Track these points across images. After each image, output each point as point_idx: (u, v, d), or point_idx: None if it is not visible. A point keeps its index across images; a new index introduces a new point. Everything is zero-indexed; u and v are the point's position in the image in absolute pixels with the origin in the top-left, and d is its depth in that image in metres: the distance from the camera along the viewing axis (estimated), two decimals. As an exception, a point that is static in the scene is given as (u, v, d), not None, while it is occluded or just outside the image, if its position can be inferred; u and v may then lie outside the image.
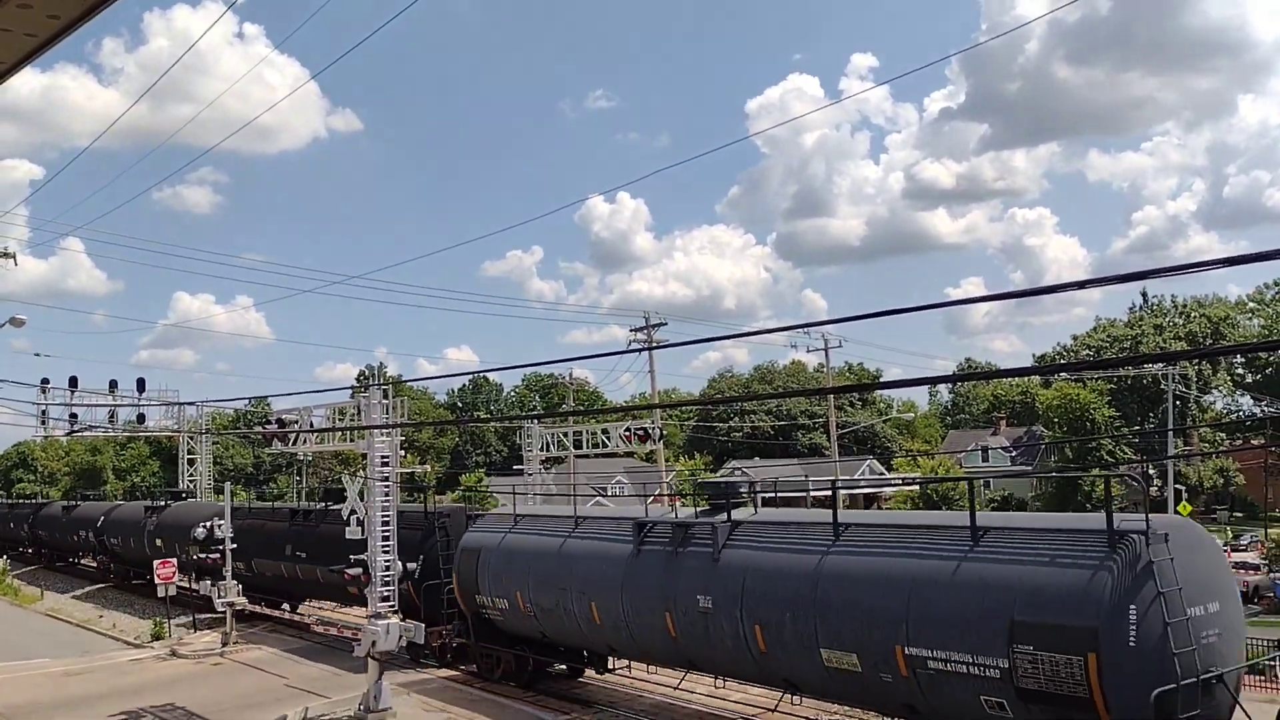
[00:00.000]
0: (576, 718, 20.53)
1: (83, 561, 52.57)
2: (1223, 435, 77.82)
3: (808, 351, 58.85)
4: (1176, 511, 51.83)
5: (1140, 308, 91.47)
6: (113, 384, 32.89)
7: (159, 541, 37.28)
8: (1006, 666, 12.88)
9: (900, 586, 14.25)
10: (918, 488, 63.18)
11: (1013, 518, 18.55)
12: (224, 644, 30.81)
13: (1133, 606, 12.20)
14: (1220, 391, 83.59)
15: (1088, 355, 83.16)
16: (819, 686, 16.10)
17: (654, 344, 51.85)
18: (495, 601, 22.94)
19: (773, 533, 17.29)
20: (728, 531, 17.72)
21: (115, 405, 31.08)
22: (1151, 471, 55.94)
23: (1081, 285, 11.13)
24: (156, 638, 33.21)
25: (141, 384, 33.19)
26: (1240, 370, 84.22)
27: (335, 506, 28.08)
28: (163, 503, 39.24)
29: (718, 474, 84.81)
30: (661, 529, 19.09)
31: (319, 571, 28.74)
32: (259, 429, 26.47)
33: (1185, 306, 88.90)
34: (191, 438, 34.63)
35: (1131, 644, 12.16)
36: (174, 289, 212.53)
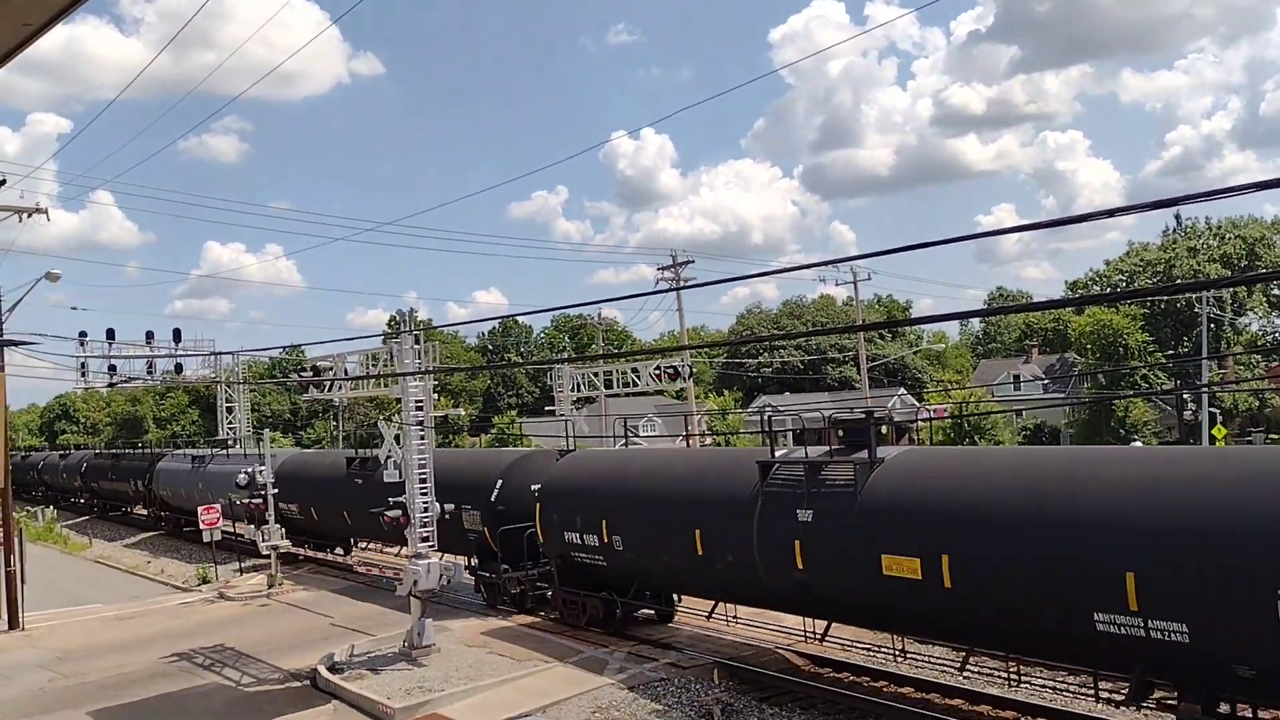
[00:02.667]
0: (615, 649, 20.91)
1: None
2: (1258, 358, 77.01)
3: (836, 285, 58.69)
4: (1211, 435, 51.56)
5: (1174, 230, 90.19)
6: (149, 335, 33.22)
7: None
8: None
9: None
10: (949, 420, 63.16)
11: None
12: (270, 586, 31.59)
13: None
14: (1256, 313, 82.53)
15: (1121, 281, 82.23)
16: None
17: (682, 283, 51.83)
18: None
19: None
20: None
21: (153, 356, 31.46)
22: (1186, 395, 55.55)
23: (1111, 214, 10.91)
24: (204, 581, 34.09)
25: (178, 334, 33.48)
26: (1277, 291, 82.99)
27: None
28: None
29: (747, 410, 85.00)
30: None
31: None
32: (294, 376, 26.78)
33: (1220, 228, 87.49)
34: (229, 386, 35.14)
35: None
36: (205, 239, 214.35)
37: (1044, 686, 16.65)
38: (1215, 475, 12.55)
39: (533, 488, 24.30)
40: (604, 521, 21.39)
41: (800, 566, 16.89)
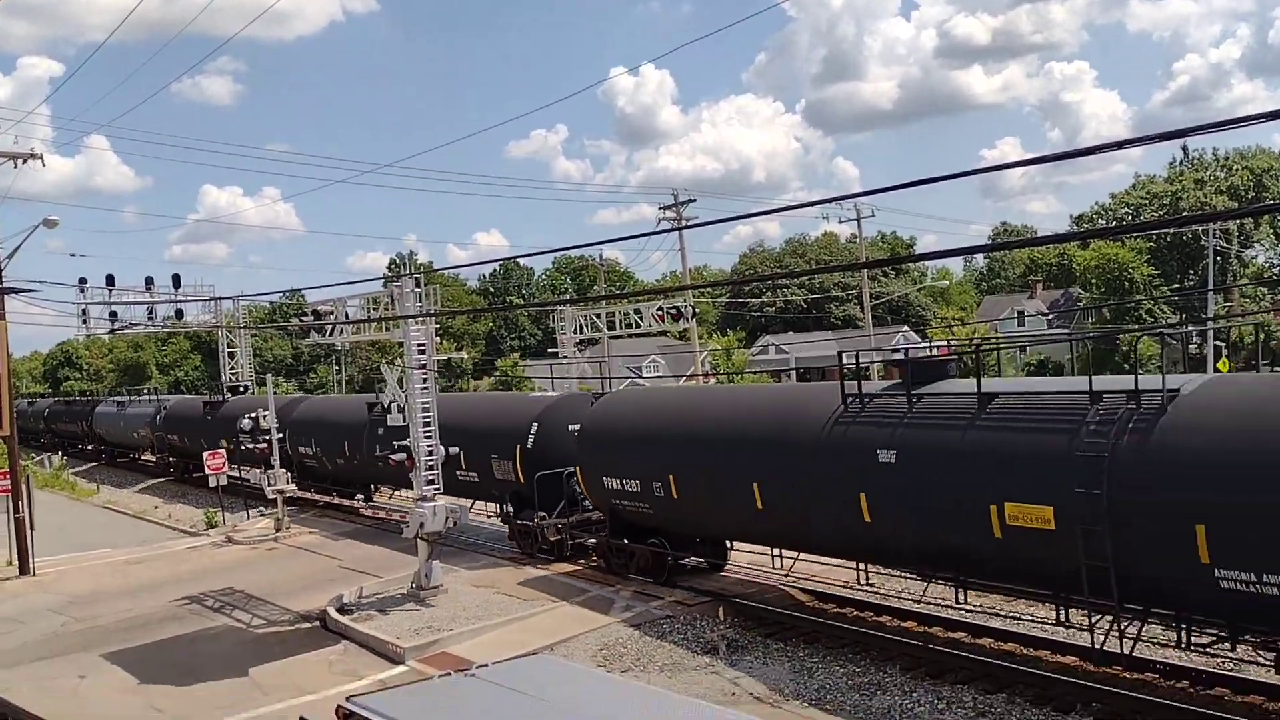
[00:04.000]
0: (621, 588, 21.06)
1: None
2: (1264, 290, 76.66)
3: (840, 223, 58.33)
4: (1216, 368, 51.52)
5: (1181, 162, 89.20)
6: (149, 280, 33.19)
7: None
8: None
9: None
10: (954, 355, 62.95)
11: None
12: (277, 530, 31.80)
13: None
14: (1263, 245, 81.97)
15: (1127, 214, 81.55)
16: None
17: (684, 223, 51.46)
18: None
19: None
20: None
21: (153, 302, 31.46)
22: (1192, 329, 55.39)
23: (1120, 145, 10.68)
24: (211, 525, 34.33)
25: (177, 280, 33.47)
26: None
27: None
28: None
29: (751, 349, 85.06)
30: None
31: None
32: (296, 321, 26.70)
33: (1227, 159, 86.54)
34: (230, 331, 35.13)
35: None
36: (202, 183, 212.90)
37: (1041, 620, 16.71)
38: None
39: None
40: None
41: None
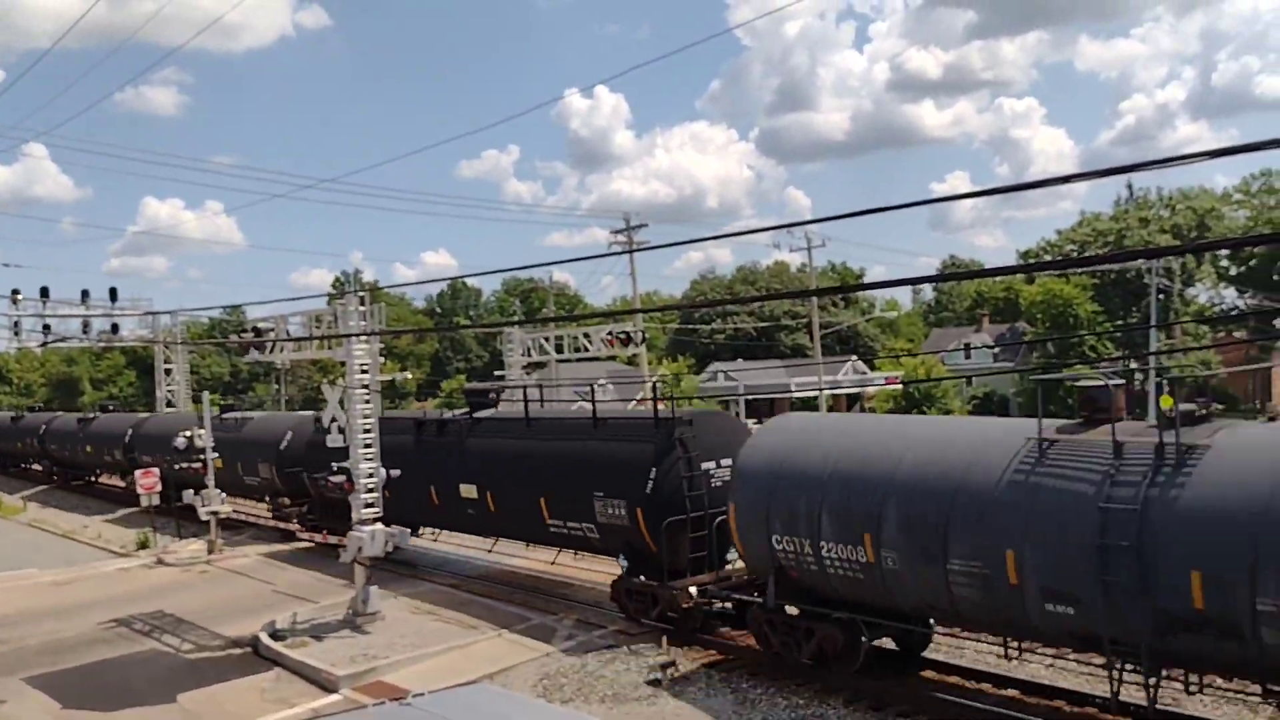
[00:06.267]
0: (564, 616, 20.62)
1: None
2: (1206, 329, 78.18)
3: (791, 251, 58.49)
4: (1158, 405, 52.21)
5: (1126, 200, 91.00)
6: (85, 294, 32.22)
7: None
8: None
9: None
10: (901, 387, 63.49)
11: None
12: (210, 552, 30.89)
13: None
14: (1205, 284, 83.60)
15: (1072, 250, 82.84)
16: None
17: (635, 246, 51.30)
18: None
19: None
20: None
21: (88, 315, 30.53)
22: (1134, 365, 56.23)
23: (1067, 180, 10.61)
24: (143, 546, 33.30)
25: (114, 293, 32.52)
26: (1225, 263, 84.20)
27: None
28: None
29: (700, 376, 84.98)
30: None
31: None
32: (235, 338, 26.06)
33: (1171, 199, 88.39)
34: (168, 347, 34.20)
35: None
36: (143, 194, 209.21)
37: (985, 653, 16.52)
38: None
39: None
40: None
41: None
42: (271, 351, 24.13)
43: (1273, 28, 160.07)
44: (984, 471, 13.84)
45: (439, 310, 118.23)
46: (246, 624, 22.14)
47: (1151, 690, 12.39)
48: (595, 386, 23.21)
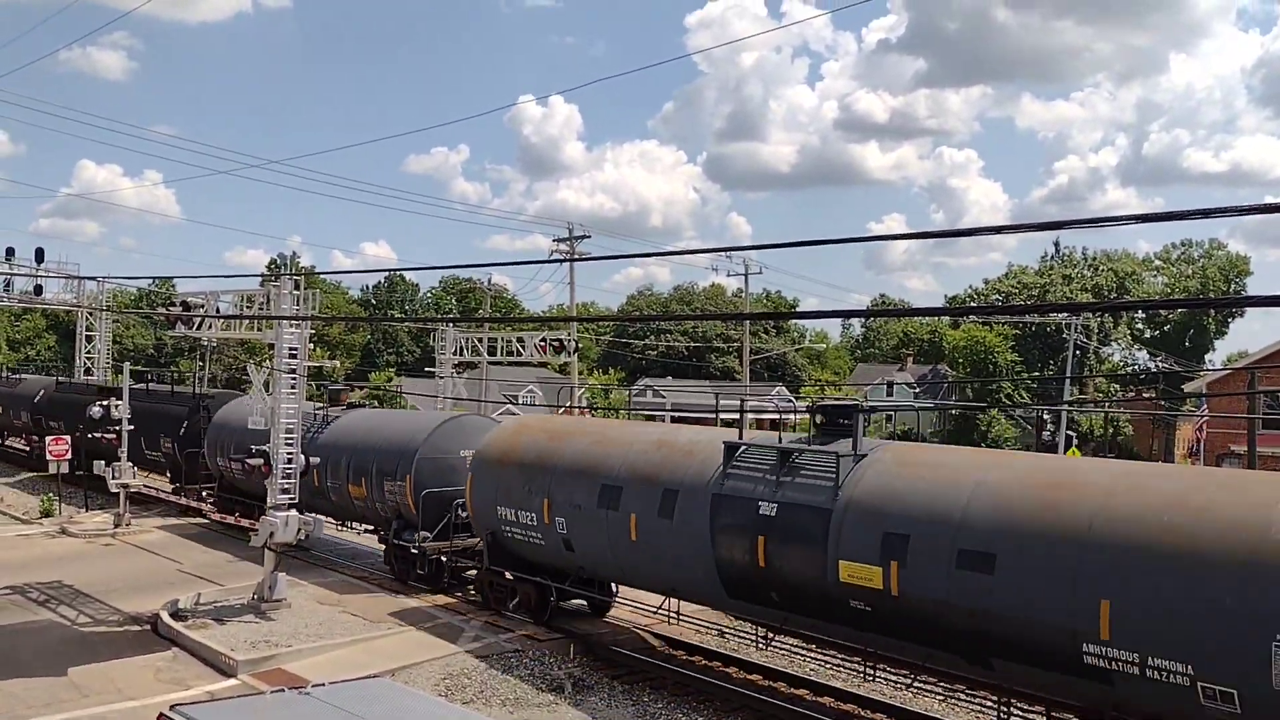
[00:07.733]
0: (472, 617, 20.69)
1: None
2: (1117, 386, 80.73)
3: (728, 275, 59.37)
4: (1066, 455, 53.82)
5: (1052, 257, 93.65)
6: (9, 251, 31.55)
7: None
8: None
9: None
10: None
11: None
12: (116, 525, 30.30)
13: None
14: (1119, 344, 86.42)
15: (997, 299, 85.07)
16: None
17: (576, 256, 51.56)
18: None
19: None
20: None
21: (11, 275, 29.85)
22: (1046, 415, 57.90)
23: (999, 230, 11.18)
24: (46, 514, 32.54)
25: (40, 254, 31.93)
26: (1140, 325, 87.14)
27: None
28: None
29: (629, 390, 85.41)
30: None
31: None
32: (162, 310, 25.68)
33: (1095, 259, 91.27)
34: (91, 314, 33.46)
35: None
36: (80, 157, 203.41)
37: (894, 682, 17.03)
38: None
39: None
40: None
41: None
42: (199, 328, 23.85)
43: (1204, 104, 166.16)
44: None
45: (374, 302, 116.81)
46: (148, 601, 21.80)
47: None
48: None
